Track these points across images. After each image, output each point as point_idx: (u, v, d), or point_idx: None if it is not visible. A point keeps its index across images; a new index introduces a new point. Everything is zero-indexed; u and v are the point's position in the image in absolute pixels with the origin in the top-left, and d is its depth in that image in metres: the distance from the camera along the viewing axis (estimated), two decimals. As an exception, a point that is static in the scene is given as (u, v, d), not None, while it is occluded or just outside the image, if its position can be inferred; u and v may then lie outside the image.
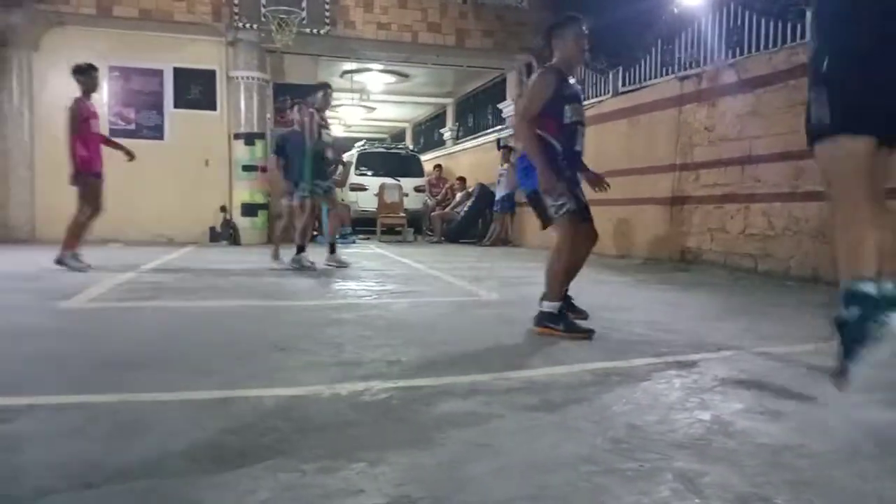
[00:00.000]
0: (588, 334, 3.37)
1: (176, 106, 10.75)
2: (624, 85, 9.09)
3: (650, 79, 8.58)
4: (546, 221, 3.98)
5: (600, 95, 9.53)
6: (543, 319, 3.46)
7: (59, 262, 6.24)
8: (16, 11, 9.54)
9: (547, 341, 3.31)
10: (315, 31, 10.37)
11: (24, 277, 5.65)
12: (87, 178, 6.33)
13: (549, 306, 3.46)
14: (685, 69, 7.93)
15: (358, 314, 4.10)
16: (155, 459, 1.72)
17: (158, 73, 10.67)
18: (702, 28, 7.70)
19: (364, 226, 12.85)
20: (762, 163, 6.62)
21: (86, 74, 6.43)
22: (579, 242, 3.60)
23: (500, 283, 5.95)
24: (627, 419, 2.08)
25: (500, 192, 11.65)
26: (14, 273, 6.04)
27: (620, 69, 9.07)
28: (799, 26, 6.35)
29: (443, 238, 12.78)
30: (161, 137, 10.68)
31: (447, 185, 14.52)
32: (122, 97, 10.51)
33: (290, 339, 3.29)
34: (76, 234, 6.42)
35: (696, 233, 7.53)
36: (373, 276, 6.43)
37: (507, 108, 12.33)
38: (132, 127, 10.53)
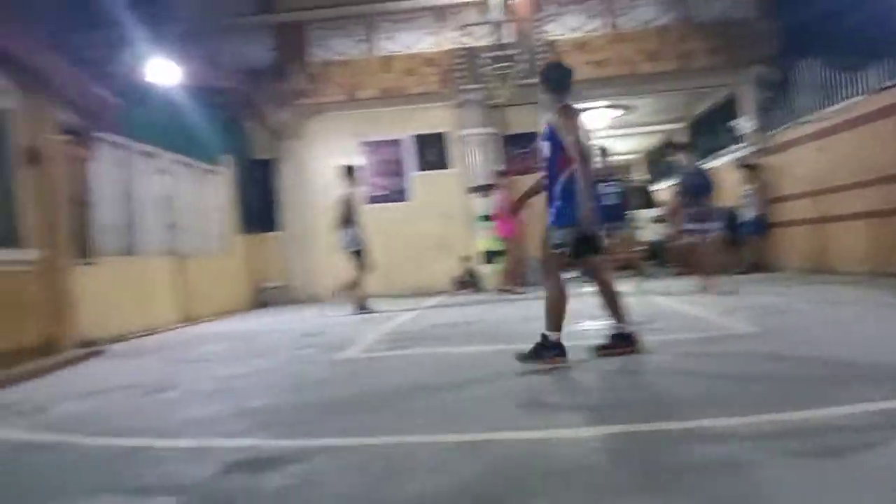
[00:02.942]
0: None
1: (418, 169, 11.82)
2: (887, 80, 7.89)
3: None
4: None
5: (850, 96, 8.38)
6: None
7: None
8: (286, 109, 11.34)
9: (818, 378, 2.98)
10: (534, 80, 10.71)
11: (307, 334, 6.53)
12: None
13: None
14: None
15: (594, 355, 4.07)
16: (422, 494, 1.91)
17: (399, 143, 11.86)
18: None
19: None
20: None
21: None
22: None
23: (756, 312, 5.47)
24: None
25: (747, 215, 10.80)
26: (301, 331, 7.02)
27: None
28: None
29: (687, 269, 12.11)
30: (406, 199, 11.77)
31: (685, 214, 13.77)
32: (375, 167, 11.85)
33: (533, 383, 3.39)
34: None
35: None
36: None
37: (740, 125, 11.47)
38: (387, 192, 11.83)
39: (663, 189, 15.89)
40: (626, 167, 22.50)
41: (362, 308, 8.07)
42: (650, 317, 5.86)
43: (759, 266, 10.77)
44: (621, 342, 3.95)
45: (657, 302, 7.03)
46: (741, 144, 11.81)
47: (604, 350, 3.93)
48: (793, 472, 1.86)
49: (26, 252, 5.30)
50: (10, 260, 5.15)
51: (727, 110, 13.56)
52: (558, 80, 4.03)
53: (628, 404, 2.78)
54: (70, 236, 6.23)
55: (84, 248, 6.73)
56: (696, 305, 6.27)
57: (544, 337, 3.73)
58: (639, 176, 18.93)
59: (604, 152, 8.87)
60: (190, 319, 8.56)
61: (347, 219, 7.96)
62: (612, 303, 3.97)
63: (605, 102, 13.45)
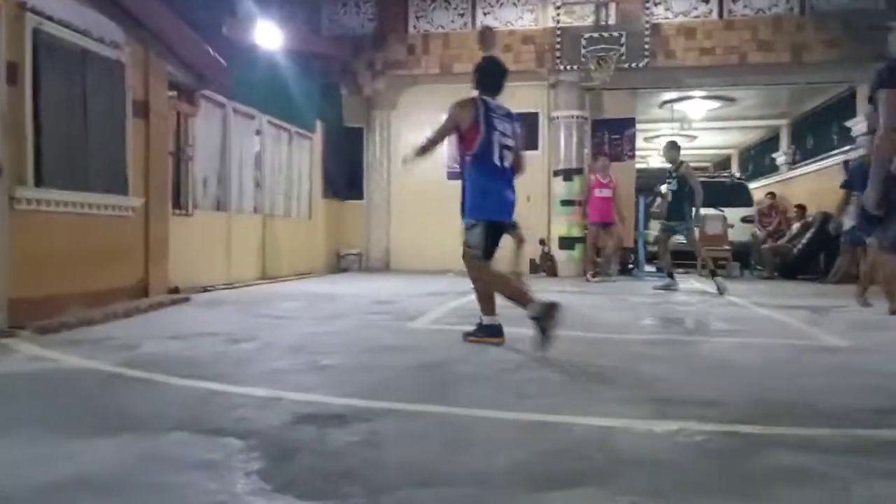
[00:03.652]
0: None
1: (503, 148, 11.73)
2: None
3: None
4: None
5: None
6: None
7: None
8: (380, 79, 11.47)
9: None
10: (633, 65, 10.40)
11: (380, 301, 6.66)
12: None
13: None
14: None
15: (674, 351, 3.96)
16: (481, 471, 1.91)
17: (488, 120, 11.78)
18: None
19: (683, 259, 12.28)
20: None
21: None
22: None
23: (849, 326, 5.16)
24: None
25: (849, 222, 10.12)
26: (375, 298, 7.17)
27: None
28: None
29: (775, 274, 11.54)
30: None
31: (781, 215, 13.10)
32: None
33: (603, 371, 3.33)
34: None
35: None
36: (692, 312, 6.13)
37: (858, 125, 10.72)
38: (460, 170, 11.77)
39: (758, 188, 15.16)
40: (719, 163, 21.60)
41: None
42: (734, 321, 5.64)
43: (856, 277, 10.11)
44: (486, 333, 4.06)
45: (747, 307, 6.75)
46: (854, 146, 11.07)
47: (471, 337, 4.11)
48: (872, 490, 1.75)
49: (129, 199, 5.62)
50: (116, 205, 5.47)
51: (838, 109, 12.73)
52: (482, 77, 4.08)
53: (712, 402, 2.68)
54: (169, 187, 6.57)
55: (179, 200, 7.09)
56: (784, 313, 5.97)
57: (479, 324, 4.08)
58: (731, 173, 18.10)
59: (673, 146, 8.53)
60: (268, 277, 8.89)
61: None
62: (485, 296, 4.07)
63: (703, 93, 12.91)
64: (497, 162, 3.96)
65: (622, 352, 3.98)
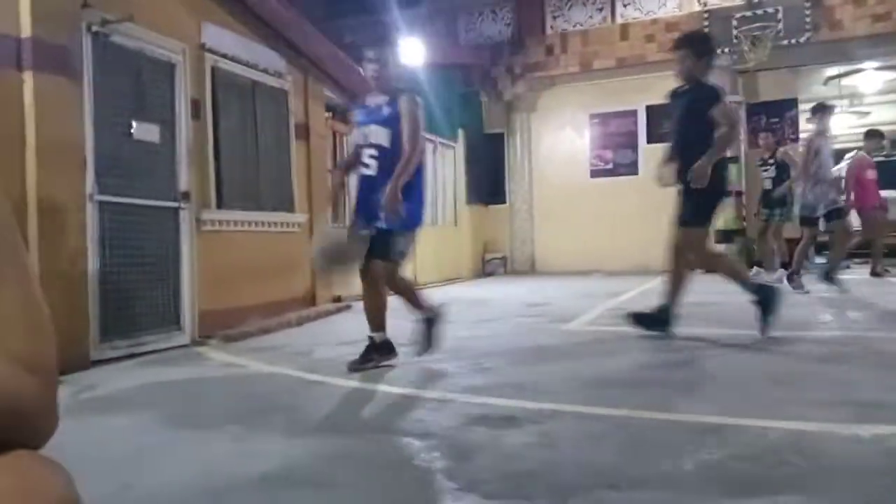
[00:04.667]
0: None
1: (649, 141, 11.27)
2: None
3: None
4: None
5: None
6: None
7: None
8: (520, 82, 11.48)
9: None
10: (793, 41, 9.59)
11: (532, 304, 6.64)
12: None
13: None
14: None
15: (863, 348, 3.59)
16: (669, 474, 1.84)
17: (632, 114, 11.38)
18: None
19: (860, 248, 11.11)
20: None
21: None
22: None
23: None
24: None
25: None
26: (525, 301, 7.17)
27: None
28: None
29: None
30: (636, 172, 11.32)
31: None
32: (601, 140, 11.55)
33: (785, 372, 3.10)
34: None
35: None
36: (878, 308, 5.52)
37: None
38: (609, 166, 11.47)
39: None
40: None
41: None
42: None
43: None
44: (377, 353, 3.57)
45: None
46: None
47: (356, 364, 3.50)
48: None
49: (296, 215, 6.05)
50: (286, 222, 5.91)
51: None
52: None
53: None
54: (329, 202, 7.00)
55: (337, 213, 7.51)
56: None
57: (371, 339, 3.60)
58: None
59: (876, 134, 7.74)
60: (420, 284, 9.15)
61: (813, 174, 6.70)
62: (377, 311, 3.65)
63: (877, 63, 11.64)
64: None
65: (804, 351, 3.67)
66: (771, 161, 7.90)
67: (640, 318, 4.24)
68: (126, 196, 4.23)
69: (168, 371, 3.72)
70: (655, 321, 4.17)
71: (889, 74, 12.39)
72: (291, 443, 2.31)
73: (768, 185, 7.89)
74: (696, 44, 4.35)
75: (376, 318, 3.62)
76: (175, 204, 4.63)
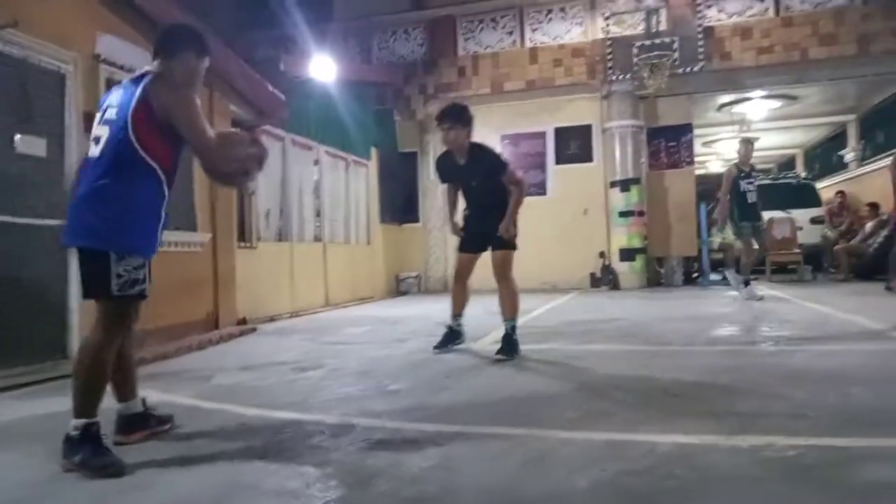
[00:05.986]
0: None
1: (557, 162, 11.63)
2: None
3: None
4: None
5: None
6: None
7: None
8: (433, 102, 11.59)
9: None
10: (688, 69, 10.19)
11: (442, 323, 6.62)
12: None
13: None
14: None
15: (753, 361, 3.80)
16: (562, 492, 1.86)
17: (541, 135, 11.72)
18: None
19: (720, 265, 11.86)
20: None
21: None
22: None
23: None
24: None
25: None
26: (436, 320, 7.15)
27: None
28: None
29: (851, 275, 11.00)
30: (544, 193, 11.63)
31: (853, 214, 12.51)
32: (512, 161, 11.77)
33: (681, 385, 3.22)
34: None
35: None
36: (767, 320, 5.88)
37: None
38: (521, 186, 11.76)
39: (825, 187, 14.55)
40: (784, 164, 20.86)
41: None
42: (811, 326, 5.41)
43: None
44: (146, 423, 2.78)
45: (822, 312, 6.46)
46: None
47: (123, 435, 2.66)
48: None
49: (198, 235, 5.82)
50: (187, 241, 5.68)
51: (911, 100, 12.15)
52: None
53: (798, 414, 2.55)
54: (234, 221, 6.78)
55: (244, 233, 7.30)
56: (868, 317, 5.66)
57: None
58: (796, 173, 17.46)
59: (748, 144, 8.28)
60: (331, 304, 9.02)
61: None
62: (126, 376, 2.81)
63: (763, 92, 12.52)
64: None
65: (697, 364, 3.84)
66: (754, 173, 8.00)
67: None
68: (6, 214, 3.94)
69: (47, 402, 3.46)
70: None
71: (774, 103, 13.36)
72: (181, 474, 2.19)
73: (752, 197, 7.79)
74: (463, 116, 4.73)
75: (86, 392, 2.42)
76: (62, 223, 4.34)
